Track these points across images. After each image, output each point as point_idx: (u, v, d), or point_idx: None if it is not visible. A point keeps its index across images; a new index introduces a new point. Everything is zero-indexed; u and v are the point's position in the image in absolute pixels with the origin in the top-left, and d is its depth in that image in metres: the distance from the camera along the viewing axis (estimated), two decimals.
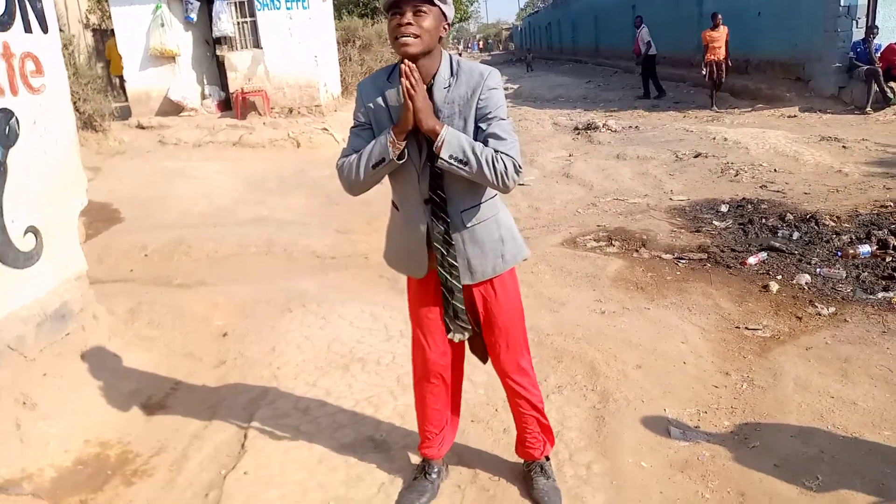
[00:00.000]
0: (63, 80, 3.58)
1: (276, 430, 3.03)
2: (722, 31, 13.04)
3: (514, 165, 2.04)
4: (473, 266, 2.24)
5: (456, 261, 2.22)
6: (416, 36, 1.97)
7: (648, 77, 15.84)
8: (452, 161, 2.02)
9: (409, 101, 1.99)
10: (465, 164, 2.03)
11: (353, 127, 2.23)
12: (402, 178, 2.21)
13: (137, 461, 2.94)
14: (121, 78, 13.30)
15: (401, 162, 2.09)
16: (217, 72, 12.48)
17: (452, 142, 2.02)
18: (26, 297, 3.21)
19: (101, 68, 15.60)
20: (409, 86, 1.98)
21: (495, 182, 2.05)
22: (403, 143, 2.07)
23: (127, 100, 12.25)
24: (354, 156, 2.15)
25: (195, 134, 10.93)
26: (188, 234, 6.22)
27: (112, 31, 16.78)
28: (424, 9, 1.97)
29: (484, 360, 2.50)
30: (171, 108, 11.87)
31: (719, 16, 13.16)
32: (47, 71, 3.41)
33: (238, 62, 11.77)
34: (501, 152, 2.03)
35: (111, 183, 7.94)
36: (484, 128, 2.08)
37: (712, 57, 13.07)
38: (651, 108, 13.88)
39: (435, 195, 2.17)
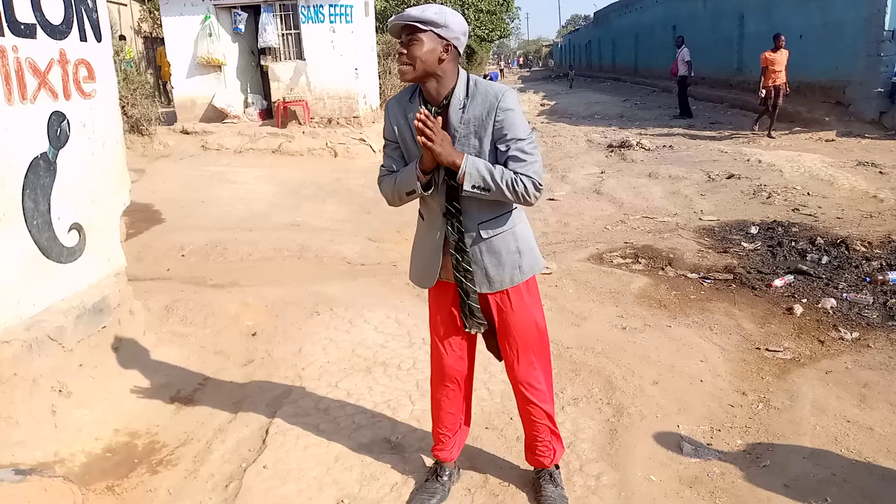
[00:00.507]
0: (113, 86, 3.78)
1: (296, 427, 3.14)
2: (783, 54, 12.00)
3: (534, 184, 2.17)
4: (491, 275, 2.33)
5: (470, 266, 2.32)
6: (409, 64, 2.11)
7: (682, 97, 15.89)
8: (475, 190, 2.16)
9: (427, 149, 2.11)
10: (487, 190, 2.16)
11: (385, 145, 2.38)
12: None
13: (163, 451, 3.08)
14: (164, 84, 13.75)
15: (428, 192, 2.23)
16: (261, 81, 12.82)
17: (473, 173, 2.15)
18: (67, 290, 3.39)
19: (149, 74, 16.11)
20: (424, 139, 2.08)
21: (517, 201, 2.21)
22: (429, 177, 2.21)
23: (172, 105, 12.66)
24: (390, 177, 2.32)
25: (237, 140, 11.24)
26: (224, 237, 6.42)
27: (162, 39, 17.41)
28: (417, 37, 2.09)
29: (500, 358, 2.56)
30: (215, 115, 12.22)
31: (782, 37, 12.08)
32: (99, 77, 3.61)
33: (281, 72, 12.08)
34: (521, 174, 2.15)
35: (154, 185, 8.21)
36: (503, 150, 2.19)
37: (772, 82, 11.96)
38: (688, 128, 13.81)
39: (451, 206, 2.28)
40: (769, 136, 12.03)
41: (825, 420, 3.15)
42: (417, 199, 2.38)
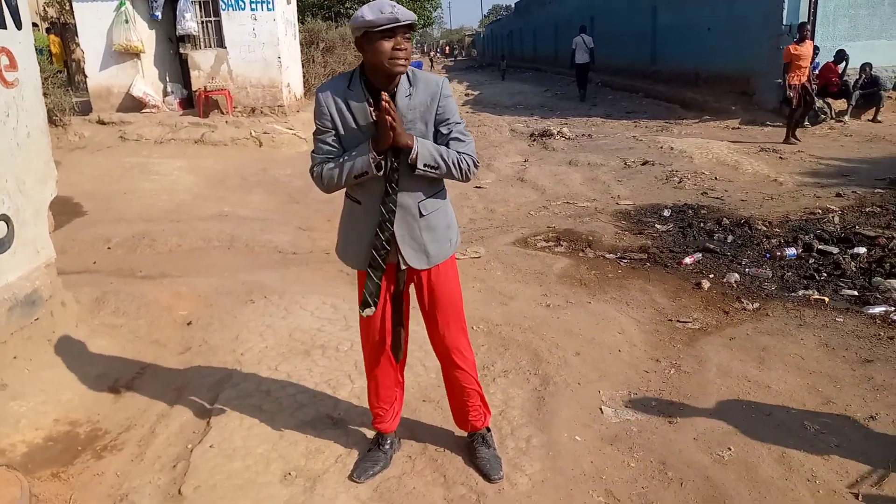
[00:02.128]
0: (35, 75, 3.72)
1: (240, 409, 3.23)
2: (809, 47, 10.28)
3: (474, 162, 2.44)
4: (430, 251, 2.50)
5: (424, 247, 2.48)
6: (406, 59, 2.27)
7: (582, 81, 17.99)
8: (426, 168, 2.35)
9: (391, 131, 2.25)
10: (436, 168, 2.37)
11: (317, 133, 2.44)
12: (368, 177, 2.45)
13: (107, 437, 3.12)
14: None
15: (380, 173, 2.36)
16: (180, 70, 12.49)
17: (424, 153, 2.33)
18: None
19: (63, 62, 15.43)
20: (391, 119, 2.23)
21: (460, 178, 2.42)
22: (381, 158, 2.34)
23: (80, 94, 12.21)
24: (332, 165, 2.39)
25: (157, 131, 10.95)
26: (151, 229, 6.34)
27: (65, 24, 16.65)
28: (408, 35, 2.26)
29: (398, 358, 2.70)
30: (133, 105, 11.85)
31: (808, 27, 10.48)
32: (21, 65, 3.56)
33: (201, 61, 11.82)
34: (463, 153, 2.40)
35: (72, 177, 7.96)
36: (444, 132, 2.41)
37: (797, 80, 10.20)
38: (605, 117, 14.34)
39: (391, 187, 2.41)
40: (793, 138, 10.35)
41: (729, 381, 3.48)
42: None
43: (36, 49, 3.86)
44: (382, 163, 2.34)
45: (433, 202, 2.49)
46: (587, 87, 18.24)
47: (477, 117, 15.12)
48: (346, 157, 2.38)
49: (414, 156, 2.32)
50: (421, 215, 2.46)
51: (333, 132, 2.41)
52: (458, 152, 2.39)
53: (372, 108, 2.31)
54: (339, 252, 2.66)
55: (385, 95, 2.24)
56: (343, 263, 2.67)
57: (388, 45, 2.22)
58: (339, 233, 2.65)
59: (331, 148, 2.42)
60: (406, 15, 2.21)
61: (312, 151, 2.49)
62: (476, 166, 2.45)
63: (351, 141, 2.40)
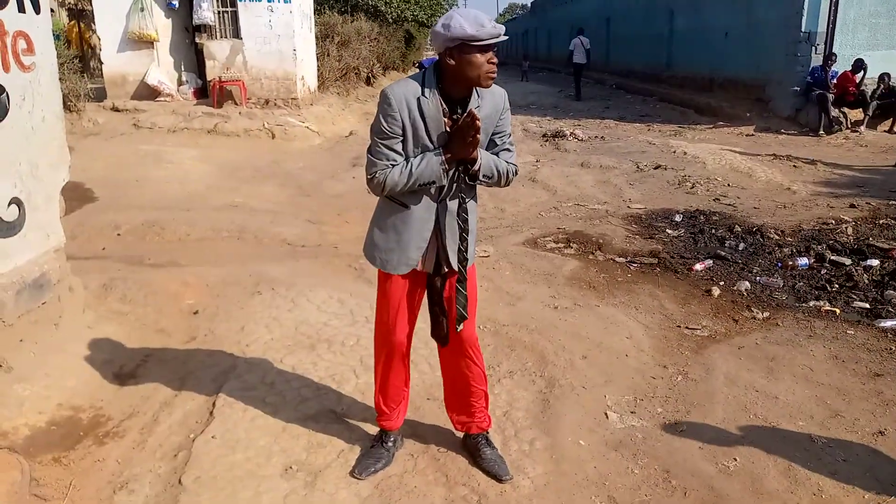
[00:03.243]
0: (52, 60, 3.72)
1: (243, 400, 3.23)
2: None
3: (516, 171, 2.57)
4: (469, 253, 2.53)
5: (466, 249, 2.50)
6: (496, 73, 2.31)
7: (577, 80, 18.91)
8: (485, 179, 2.44)
9: (471, 147, 2.29)
10: (492, 178, 2.46)
11: (383, 137, 2.32)
12: None
13: (109, 424, 3.12)
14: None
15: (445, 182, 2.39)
16: (195, 59, 12.51)
17: (485, 164, 2.40)
18: (7, 265, 3.36)
19: (77, 49, 15.48)
20: (474, 134, 2.25)
21: (504, 184, 2.55)
22: (453, 168, 2.38)
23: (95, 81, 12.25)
24: (397, 171, 2.32)
25: (170, 119, 10.98)
26: (161, 217, 6.35)
27: (82, 11, 16.70)
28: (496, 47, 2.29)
29: (444, 343, 2.68)
30: (147, 93, 11.89)
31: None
32: (38, 50, 3.55)
33: (217, 51, 11.84)
34: (511, 163, 2.52)
35: (84, 163, 7.97)
36: (498, 143, 2.50)
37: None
38: (619, 120, 14.27)
39: (458, 193, 2.46)
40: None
41: (736, 390, 3.45)
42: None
43: (53, 34, 3.87)
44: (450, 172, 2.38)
45: (472, 205, 2.53)
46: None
47: None
48: (412, 165, 2.32)
49: (477, 167, 2.37)
50: (464, 219, 2.48)
51: (399, 139, 2.33)
52: (506, 162, 2.49)
53: (447, 119, 2.32)
54: (374, 254, 2.55)
55: (473, 111, 2.26)
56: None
57: (483, 58, 2.24)
58: (375, 235, 2.55)
59: (397, 156, 2.33)
60: (503, 30, 2.26)
61: (372, 155, 2.36)
62: (517, 174, 2.57)
63: (417, 146, 2.34)
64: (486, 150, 2.46)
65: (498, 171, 2.45)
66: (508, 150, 2.52)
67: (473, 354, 2.68)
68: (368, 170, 2.37)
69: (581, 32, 19.21)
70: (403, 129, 2.31)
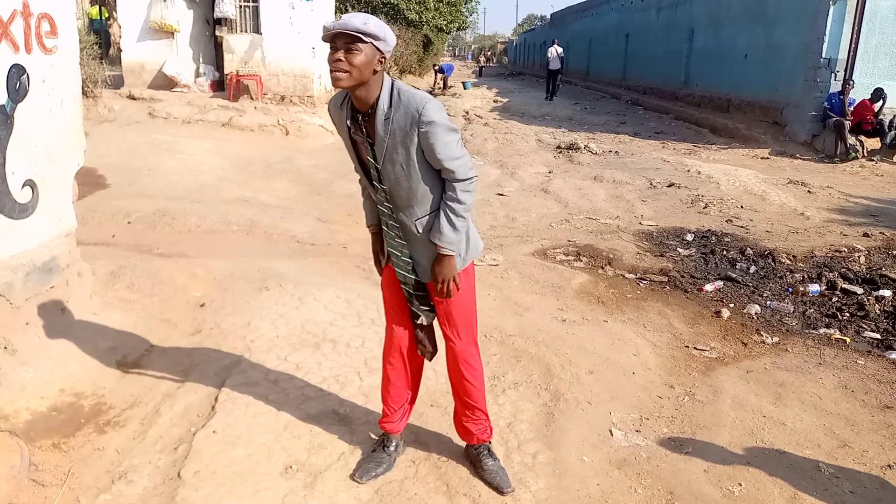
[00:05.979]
0: (74, 44, 3.72)
1: (245, 396, 3.20)
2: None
3: (466, 190, 2.36)
4: (419, 268, 2.53)
5: (410, 259, 2.52)
6: (346, 71, 2.13)
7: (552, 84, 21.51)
8: (457, 238, 2.42)
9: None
10: (460, 234, 2.41)
11: None
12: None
13: (110, 413, 3.10)
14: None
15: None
16: (214, 52, 12.56)
17: (452, 247, 2.40)
18: (18, 247, 3.35)
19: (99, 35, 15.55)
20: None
21: (468, 211, 2.44)
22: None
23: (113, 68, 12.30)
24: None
25: (186, 110, 11.01)
26: (172, 207, 6.35)
27: None
28: (357, 46, 2.12)
29: (429, 357, 2.73)
30: (164, 83, 11.94)
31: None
32: (61, 32, 3.55)
33: (236, 45, 11.88)
34: (459, 179, 2.32)
35: (98, 149, 7.98)
36: (435, 165, 2.31)
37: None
38: (634, 136, 14.24)
39: (384, 207, 2.45)
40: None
41: (743, 414, 3.40)
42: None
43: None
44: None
45: (429, 220, 2.44)
46: (556, 90, 21.87)
47: (504, 125, 15.06)
48: (365, 206, 2.63)
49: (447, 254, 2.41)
50: (418, 233, 2.44)
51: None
52: (451, 199, 2.34)
53: (350, 127, 2.33)
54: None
55: (453, 285, 2.43)
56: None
57: (330, 56, 2.17)
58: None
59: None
60: (346, 25, 2.12)
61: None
62: (471, 180, 2.36)
63: (350, 155, 2.46)
64: (427, 170, 2.32)
65: (457, 231, 2.38)
66: (451, 170, 2.30)
67: (465, 371, 2.65)
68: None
69: (554, 42, 21.97)
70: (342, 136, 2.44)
